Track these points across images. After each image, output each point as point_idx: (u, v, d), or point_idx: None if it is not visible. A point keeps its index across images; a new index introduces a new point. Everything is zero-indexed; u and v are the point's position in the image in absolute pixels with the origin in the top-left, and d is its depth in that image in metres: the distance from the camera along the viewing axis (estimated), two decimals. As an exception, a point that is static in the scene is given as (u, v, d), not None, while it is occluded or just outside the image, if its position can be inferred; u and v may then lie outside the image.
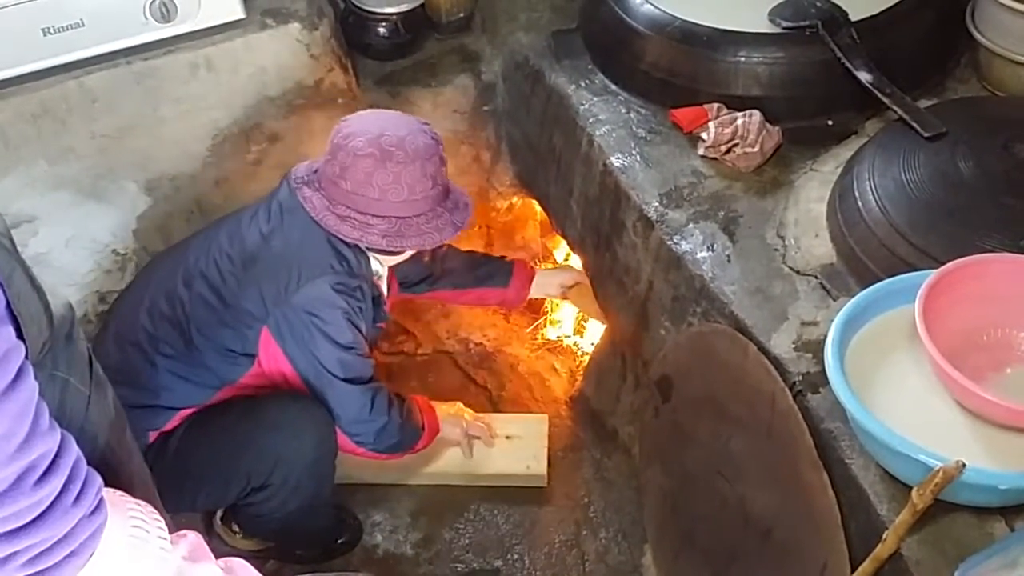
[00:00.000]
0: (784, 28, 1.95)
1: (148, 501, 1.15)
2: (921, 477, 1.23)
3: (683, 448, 1.87)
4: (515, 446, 2.38)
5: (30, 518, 0.94)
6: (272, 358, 1.92)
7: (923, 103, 1.83)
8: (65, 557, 0.98)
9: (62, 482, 0.97)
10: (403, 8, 2.41)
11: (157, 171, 2.25)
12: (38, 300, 1.07)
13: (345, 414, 1.96)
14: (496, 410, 2.55)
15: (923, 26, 2.00)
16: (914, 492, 1.24)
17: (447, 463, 2.35)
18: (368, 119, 1.88)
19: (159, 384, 1.90)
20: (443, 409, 2.25)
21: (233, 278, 1.90)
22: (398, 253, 1.96)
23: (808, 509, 1.48)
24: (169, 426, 1.93)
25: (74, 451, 1.01)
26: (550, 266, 2.77)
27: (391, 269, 2.10)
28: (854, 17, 1.93)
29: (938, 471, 1.20)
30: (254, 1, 2.24)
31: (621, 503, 2.30)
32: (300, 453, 1.93)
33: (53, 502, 0.96)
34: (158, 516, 1.12)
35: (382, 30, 2.45)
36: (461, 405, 2.34)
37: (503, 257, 2.44)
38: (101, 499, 1.03)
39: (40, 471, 0.94)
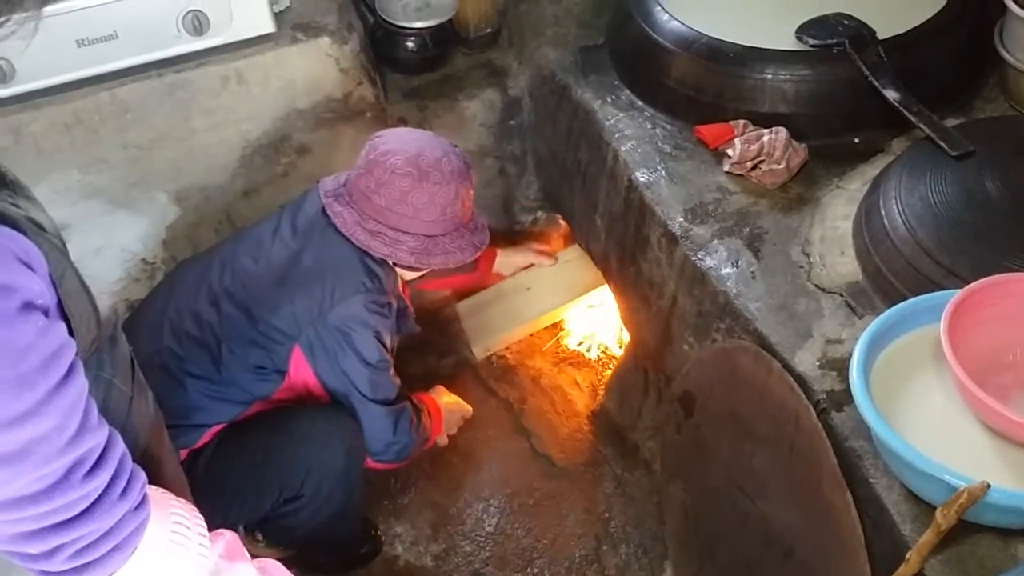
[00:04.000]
0: (811, 46, 1.96)
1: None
2: (945, 497, 1.22)
3: (705, 464, 1.87)
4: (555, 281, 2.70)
5: (78, 511, 0.97)
6: (300, 373, 1.93)
7: (950, 122, 1.83)
8: (110, 550, 1.02)
9: (109, 476, 1.00)
10: (431, 23, 2.43)
11: (187, 182, 2.27)
12: (87, 300, 1.10)
13: (369, 434, 1.98)
14: (518, 421, 2.57)
15: (951, 45, 1.99)
16: (938, 512, 1.23)
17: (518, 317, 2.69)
18: (405, 137, 1.92)
19: (190, 405, 1.90)
20: (445, 403, 2.31)
21: (263, 296, 1.91)
22: (422, 269, 1.99)
23: (831, 528, 1.47)
24: (200, 443, 1.93)
25: (121, 446, 1.04)
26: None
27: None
28: (882, 35, 1.92)
29: (963, 491, 1.20)
30: (285, 15, 2.27)
31: (642, 518, 2.30)
32: (330, 463, 1.94)
33: (100, 495, 0.99)
34: (199, 515, 1.15)
35: (411, 44, 2.47)
36: (450, 395, 2.38)
37: None
38: (145, 495, 1.07)
39: (89, 465, 0.97)
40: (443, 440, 2.31)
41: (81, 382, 0.96)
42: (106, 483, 1.00)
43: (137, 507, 1.04)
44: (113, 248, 2.24)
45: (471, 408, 2.41)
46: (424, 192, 1.87)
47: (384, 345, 1.97)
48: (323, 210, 1.94)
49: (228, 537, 1.20)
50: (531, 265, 2.69)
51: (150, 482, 1.11)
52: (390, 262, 1.94)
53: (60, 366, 0.92)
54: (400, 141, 1.91)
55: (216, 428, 1.94)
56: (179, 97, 2.16)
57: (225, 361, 1.91)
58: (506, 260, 2.64)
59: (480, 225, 2.05)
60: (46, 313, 0.93)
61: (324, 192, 1.95)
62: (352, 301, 1.89)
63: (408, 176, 1.85)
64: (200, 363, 1.91)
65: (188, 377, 1.91)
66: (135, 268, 2.29)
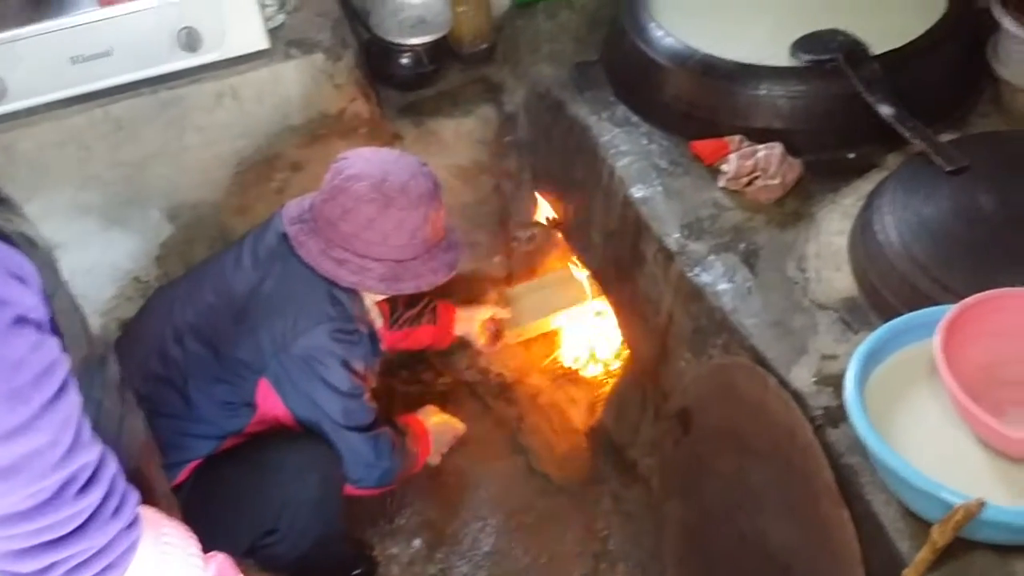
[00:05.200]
0: (806, 62, 1.96)
1: None
2: (941, 514, 1.22)
3: (703, 481, 1.86)
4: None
5: (71, 528, 0.97)
6: (268, 405, 1.90)
7: (945, 137, 1.82)
8: (103, 569, 1.02)
9: (102, 494, 1.00)
10: (426, 39, 2.42)
11: (180, 199, 2.26)
12: (78, 319, 1.11)
13: (348, 461, 1.95)
14: (516, 439, 2.56)
15: (945, 60, 1.99)
16: (934, 529, 1.23)
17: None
18: (371, 161, 1.87)
19: (164, 443, 1.82)
20: (433, 424, 2.27)
21: (225, 330, 1.87)
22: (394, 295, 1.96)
23: (828, 545, 1.47)
24: (178, 480, 1.89)
25: (114, 464, 1.04)
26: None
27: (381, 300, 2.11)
28: (876, 51, 1.93)
29: (958, 508, 1.20)
30: (279, 32, 2.26)
31: (640, 536, 2.28)
32: (304, 495, 1.90)
33: (93, 513, 0.99)
34: (191, 535, 1.15)
35: (405, 60, 2.46)
36: (440, 415, 2.34)
37: (422, 298, 2.40)
38: (138, 514, 1.07)
39: (82, 482, 0.98)
40: (435, 460, 2.27)
41: (74, 398, 0.96)
42: (99, 501, 1.00)
43: (130, 526, 1.04)
44: (105, 266, 2.23)
45: (464, 426, 2.37)
46: (391, 218, 1.82)
47: (355, 372, 1.92)
48: (284, 236, 1.90)
49: (220, 559, 1.21)
50: (492, 316, 2.58)
51: (143, 502, 1.10)
52: (359, 291, 1.90)
53: (53, 380, 0.93)
54: (365, 164, 1.85)
55: (192, 464, 1.91)
56: (173, 114, 2.15)
57: (193, 399, 1.88)
58: (467, 315, 2.51)
59: (453, 242, 1.98)
60: (39, 328, 0.94)
61: (288, 219, 1.91)
62: (316, 332, 1.85)
63: (373, 203, 1.81)
64: (170, 402, 1.87)
65: (159, 417, 1.83)
66: (128, 286, 2.28)
